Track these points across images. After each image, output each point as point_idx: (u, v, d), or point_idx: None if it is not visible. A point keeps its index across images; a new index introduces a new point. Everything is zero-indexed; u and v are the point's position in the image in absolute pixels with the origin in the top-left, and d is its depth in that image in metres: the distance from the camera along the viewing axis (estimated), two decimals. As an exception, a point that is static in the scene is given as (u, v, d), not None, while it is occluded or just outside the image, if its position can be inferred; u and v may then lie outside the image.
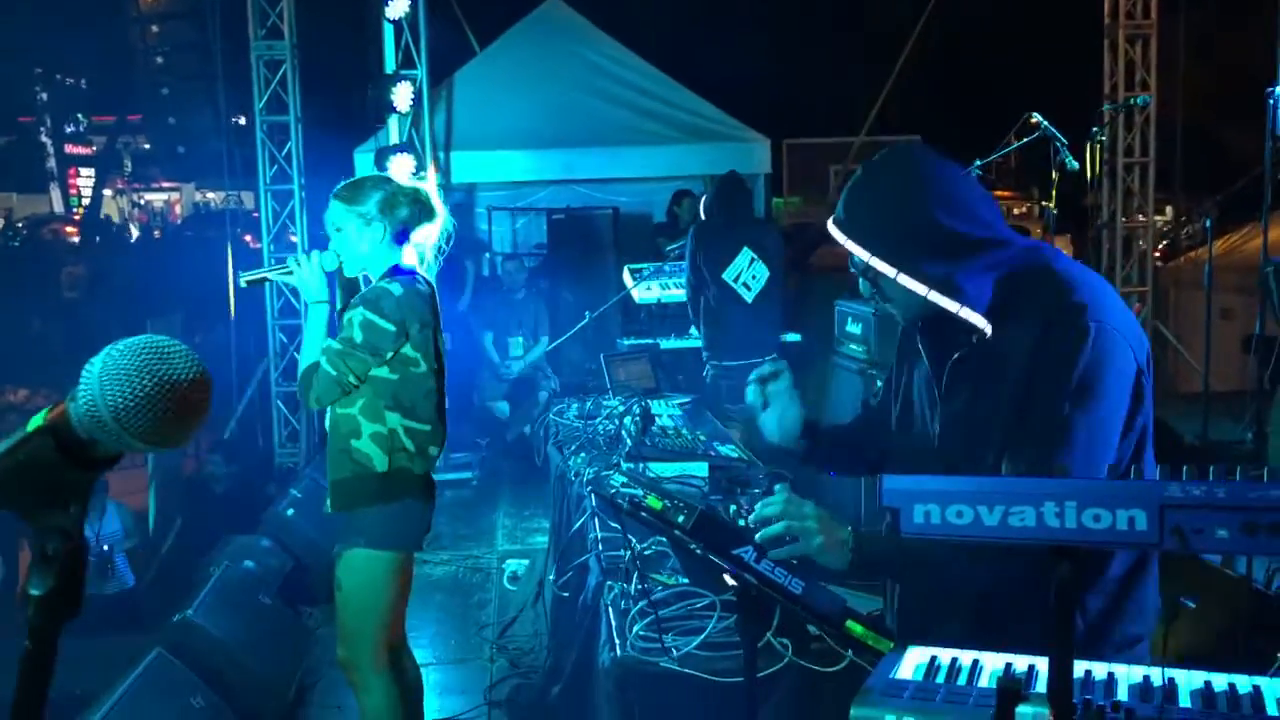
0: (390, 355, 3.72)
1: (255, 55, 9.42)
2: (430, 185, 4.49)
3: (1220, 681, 1.94)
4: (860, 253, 2.35)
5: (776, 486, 2.36)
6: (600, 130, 10.21)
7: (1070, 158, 6.67)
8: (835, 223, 2.40)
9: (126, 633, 6.16)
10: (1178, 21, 11.51)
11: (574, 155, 10.14)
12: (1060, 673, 1.71)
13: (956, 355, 2.38)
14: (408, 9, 8.30)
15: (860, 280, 2.43)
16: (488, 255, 10.54)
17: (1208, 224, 6.81)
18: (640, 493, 2.30)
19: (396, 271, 3.82)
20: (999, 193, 32.58)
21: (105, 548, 8.15)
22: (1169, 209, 23.22)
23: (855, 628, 2.32)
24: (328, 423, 3.95)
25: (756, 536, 2.20)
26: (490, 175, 10.39)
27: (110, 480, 11.85)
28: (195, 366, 1.49)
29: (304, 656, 5.17)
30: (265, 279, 4.02)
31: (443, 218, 4.12)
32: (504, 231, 12.05)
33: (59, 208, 34.94)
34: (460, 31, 11.98)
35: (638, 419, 4.95)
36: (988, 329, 2.31)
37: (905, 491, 1.70)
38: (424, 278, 3.94)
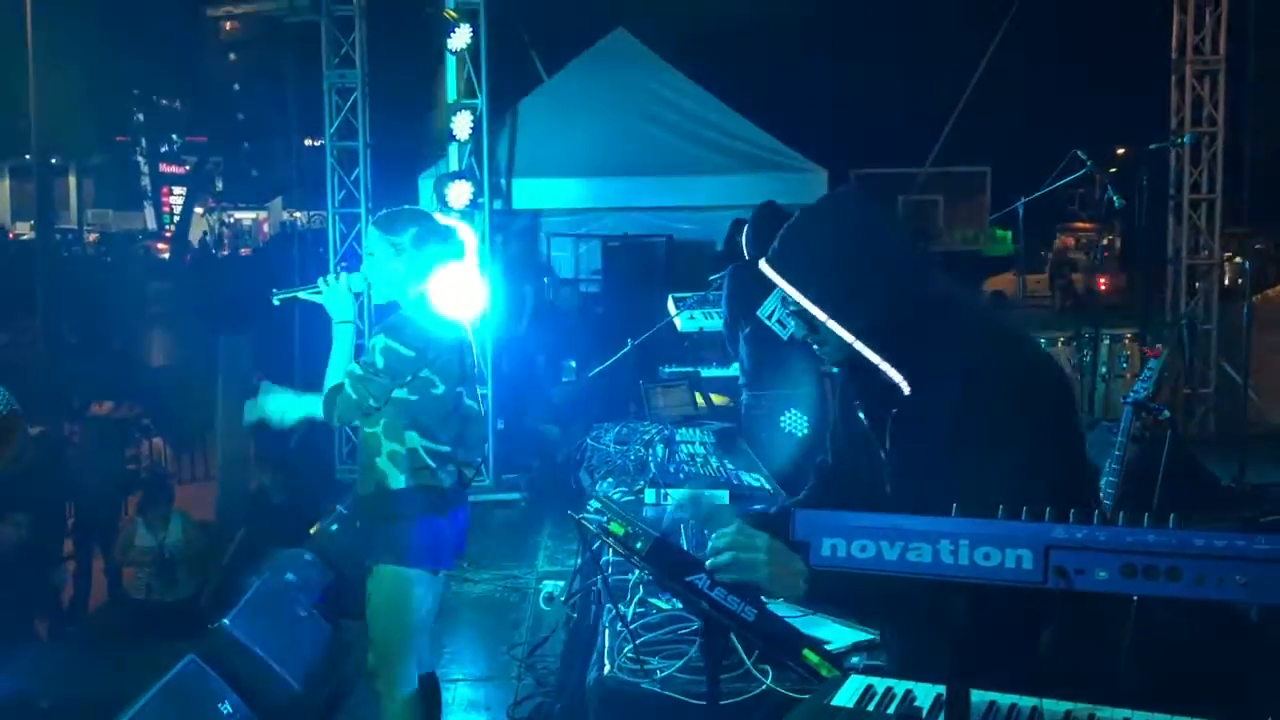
0: (409, 379, 3.87)
1: (327, 84, 9.74)
2: (460, 225, 4.68)
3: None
4: (793, 293, 2.41)
5: (736, 519, 2.44)
6: (660, 159, 10.36)
7: (1116, 195, 6.67)
8: (769, 261, 2.46)
9: (185, 639, 6.41)
10: (1247, 53, 11.34)
11: (634, 183, 10.30)
12: (955, 703, 1.79)
13: (895, 411, 2.42)
14: (470, 40, 8.53)
15: (793, 320, 2.48)
16: (546, 280, 10.73)
17: (1245, 266, 6.74)
18: (604, 519, 2.41)
19: (420, 300, 3.97)
20: (1080, 225, 32.24)
21: (168, 556, 8.45)
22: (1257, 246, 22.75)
23: (810, 656, 2.40)
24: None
25: (706, 564, 2.28)
26: (551, 202, 10.60)
27: (178, 492, 12.27)
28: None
29: (337, 668, 5.33)
30: (296, 297, 4.17)
31: (470, 257, 4.30)
32: (567, 257, 12.25)
33: (152, 225, 36.10)
34: (529, 60, 12.24)
35: (664, 446, 5.06)
36: (905, 386, 2.36)
37: (815, 526, 1.79)
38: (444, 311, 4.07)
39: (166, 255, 28.06)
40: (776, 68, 18.35)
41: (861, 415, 2.55)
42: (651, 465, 5.00)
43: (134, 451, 14.96)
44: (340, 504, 6.96)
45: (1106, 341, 7.61)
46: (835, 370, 2.65)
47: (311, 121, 10.48)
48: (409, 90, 10.50)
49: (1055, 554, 1.64)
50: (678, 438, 5.64)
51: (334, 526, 6.61)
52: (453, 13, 8.29)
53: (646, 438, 5.67)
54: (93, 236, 34.55)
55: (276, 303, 4.22)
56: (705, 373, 7.14)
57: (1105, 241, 30.16)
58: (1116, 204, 6.66)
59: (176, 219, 32.59)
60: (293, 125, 10.73)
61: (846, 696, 2.12)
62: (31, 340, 16.02)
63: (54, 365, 15.43)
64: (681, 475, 4.89)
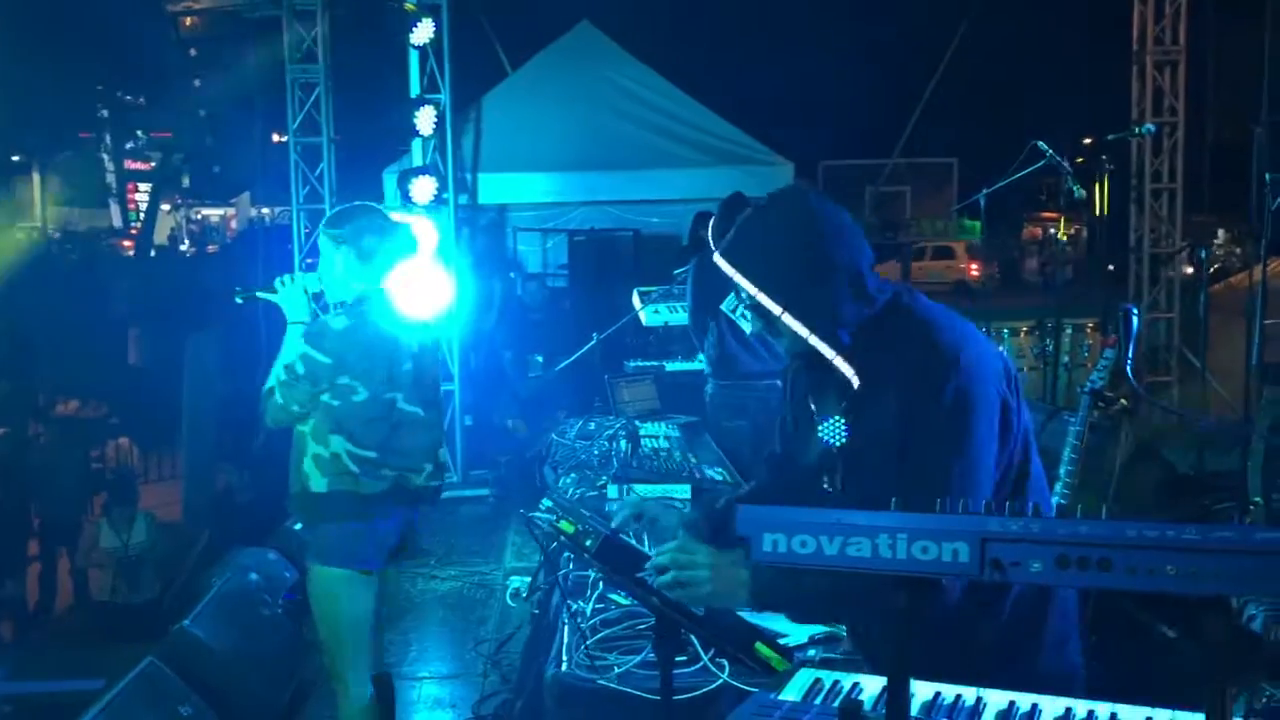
0: (328, 385, 3.85)
1: (290, 78, 9.67)
2: (422, 220, 4.75)
3: (1081, 709, 2.02)
4: (748, 287, 2.42)
5: (680, 532, 2.46)
6: (626, 153, 10.35)
7: (1077, 186, 6.70)
8: (724, 255, 2.47)
9: (149, 641, 6.37)
10: (1208, 44, 11.44)
11: (600, 178, 10.29)
12: (895, 694, 1.79)
13: (845, 404, 2.43)
14: (432, 34, 8.49)
15: (748, 313, 2.50)
16: (513, 275, 10.71)
17: (1202, 254, 6.80)
18: (555, 517, 2.41)
19: (359, 301, 3.97)
20: (1046, 214, 32.43)
21: (132, 557, 8.40)
22: (1221, 232, 22.95)
23: (762, 649, 2.41)
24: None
25: (654, 584, 2.28)
26: (518, 196, 10.57)
27: (145, 492, 12.18)
28: None
29: (299, 668, 5.31)
30: (255, 296, 4.21)
31: (425, 252, 4.27)
32: (534, 252, 12.23)
33: (118, 222, 35.74)
34: (493, 54, 12.20)
35: (627, 440, 5.07)
36: (855, 380, 2.38)
37: (755, 520, 1.80)
38: (383, 306, 4.00)
39: (132, 253, 27.77)
40: (743, 61, 18.40)
41: (813, 408, 2.56)
42: (614, 461, 5.00)
43: (99, 451, 14.87)
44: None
45: (1069, 331, 7.67)
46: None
47: (275, 117, 10.41)
48: (373, 84, 10.44)
49: (991, 546, 1.65)
50: (642, 432, 5.64)
51: (298, 525, 6.55)
52: (413, 6, 8.24)
53: (610, 433, 5.66)
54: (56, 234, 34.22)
55: (239, 301, 4.26)
56: (670, 366, 7.14)
57: (1072, 232, 30.40)
58: (1076, 194, 6.69)
59: (142, 216, 32.32)
60: (256, 121, 10.63)
61: (795, 689, 2.13)
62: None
63: (17, 364, 15.30)
64: (645, 470, 4.89)
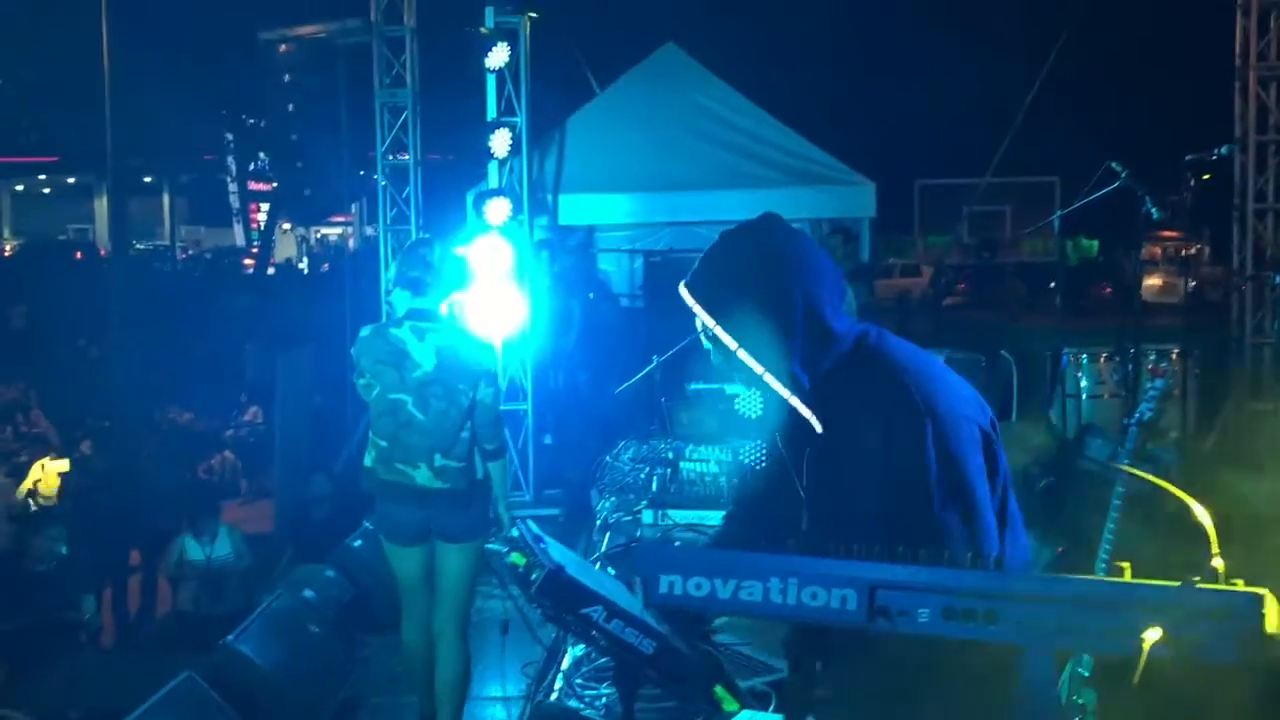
0: (362, 380, 4.77)
1: (379, 102, 9.88)
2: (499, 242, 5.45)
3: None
4: (707, 320, 2.37)
5: None
6: (707, 173, 10.33)
7: (1155, 207, 6.48)
8: (687, 286, 2.43)
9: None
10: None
11: (681, 198, 10.28)
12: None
13: (808, 450, 2.35)
14: (508, 58, 8.59)
15: (711, 346, 2.44)
16: (592, 296, 10.76)
17: (1276, 280, 6.49)
18: (506, 550, 2.39)
19: (396, 315, 4.86)
20: (1167, 233, 31.37)
21: (214, 570, 8.64)
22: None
23: (720, 692, 2.36)
24: None
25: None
26: (600, 218, 10.63)
27: (234, 508, 12.52)
28: None
29: (343, 685, 5.39)
30: None
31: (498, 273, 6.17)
32: (622, 274, 12.27)
33: (241, 241, 37.02)
34: (583, 76, 12.31)
35: (668, 465, 5.03)
36: (817, 425, 2.30)
37: (653, 561, 1.76)
38: (416, 324, 4.79)
39: (251, 270, 28.68)
40: (836, 80, 18.23)
41: (780, 444, 2.49)
42: (654, 485, 4.98)
43: (206, 464, 15.36)
44: (367, 519, 7.03)
45: (1152, 357, 7.39)
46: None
47: (364, 141, 10.65)
48: (460, 107, 10.62)
49: (880, 594, 1.59)
50: (694, 456, 5.59)
51: (358, 543, 6.68)
52: (488, 30, 8.35)
53: (667, 456, 5.63)
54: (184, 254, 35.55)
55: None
56: (730, 389, 7.06)
57: (1194, 251, 29.36)
58: (1155, 215, 6.47)
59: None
60: (344, 144, 10.90)
61: (730, 733, 2.08)
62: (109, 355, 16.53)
63: (131, 379, 15.89)
64: (683, 496, 4.86)
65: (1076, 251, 31.00)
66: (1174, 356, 7.44)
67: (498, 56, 8.51)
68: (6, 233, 42.40)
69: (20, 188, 44.69)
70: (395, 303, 4.90)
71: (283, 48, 10.65)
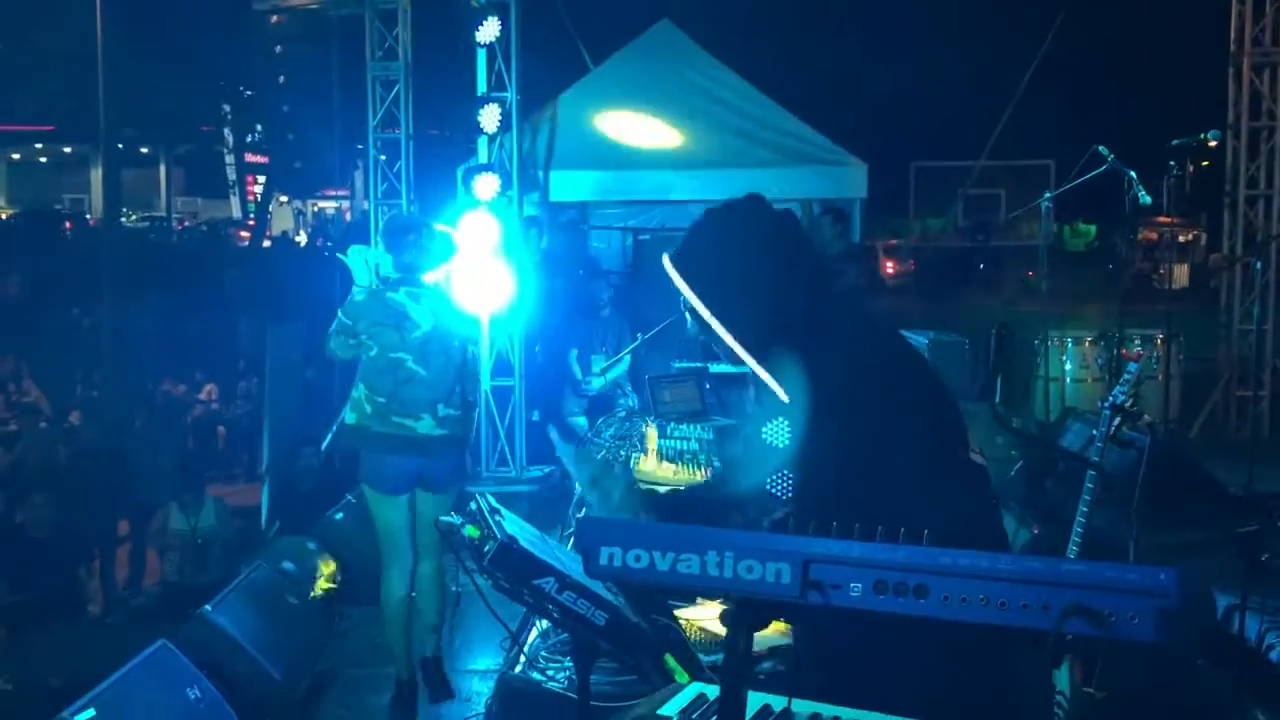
0: (352, 341, 4.98)
1: (371, 75, 9.85)
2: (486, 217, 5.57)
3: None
4: (688, 294, 2.41)
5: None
6: (700, 152, 10.30)
7: (1143, 192, 6.48)
8: (673, 260, 2.46)
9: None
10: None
11: (672, 177, 10.24)
12: (729, 705, 1.75)
13: (780, 418, 2.42)
14: (499, 33, 8.56)
15: (689, 316, 2.48)
16: (581, 273, 10.74)
17: (1257, 265, 6.50)
18: (459, 522, 2.41)
19: (387, 281, 5.09)
20: (1162, 219, 31.29)
21: (200, 541, 8.67)
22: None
23: (670, 661, 2.38)
24: None
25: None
26: (591, 194, 10.59)
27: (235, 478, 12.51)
28: None
29: (321, 656, 5.41)
30: (336, 256, 5.62)
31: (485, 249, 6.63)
32: (615, 251, 12.25)
33: (238, 213, 36.90)
34: (576, 53, 12.26)
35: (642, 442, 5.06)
36: (783, 395, 2.35)
37: (592, 534, 1.77)
38: (411, 289, 5.10)
39: (247, 243, 28.62)
40: (831, 61, 18.14)
41: (759, 414, 2.55)
42: (631, 462, 5.00)
43: (198, 437, 15.34)
44: (350, 493, 7.05)
45: (1136, 342, 7.39)
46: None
47: (355, 114, 10.63)
48: (452, 81, 10.60)
49: (814, 568, 1.60)
50: (673, 434, 5.62)
51: (339, 515, 6.70)
52: (478, 3, 8.33)
53: (642, 433, 5.65)
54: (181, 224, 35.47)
55: (325, 254, 5.67)
56: (715, 368, 7.08)
57: (1190, 237, 29.32)
58: (1142, 200, 6.47)
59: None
60: (336, 117, 10.87)
61: (675, 706, 2.09)
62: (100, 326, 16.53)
63: (122, 350, 15.89)
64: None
65: (1075, 237, 30.93)
66: (1158, 341, 7.45)
67: (488, 31, 8.48)
68: (2, 201, 42.26)
69: (16, 156, 44.52)
70: (386, 269, 5.12)
71: (275, 19, 10.60)
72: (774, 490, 2.72)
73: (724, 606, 1.71)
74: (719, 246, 2.41)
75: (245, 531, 9.68)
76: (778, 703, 2.01)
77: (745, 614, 1.70)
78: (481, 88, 8.75)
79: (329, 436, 10.33)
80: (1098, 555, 4.29)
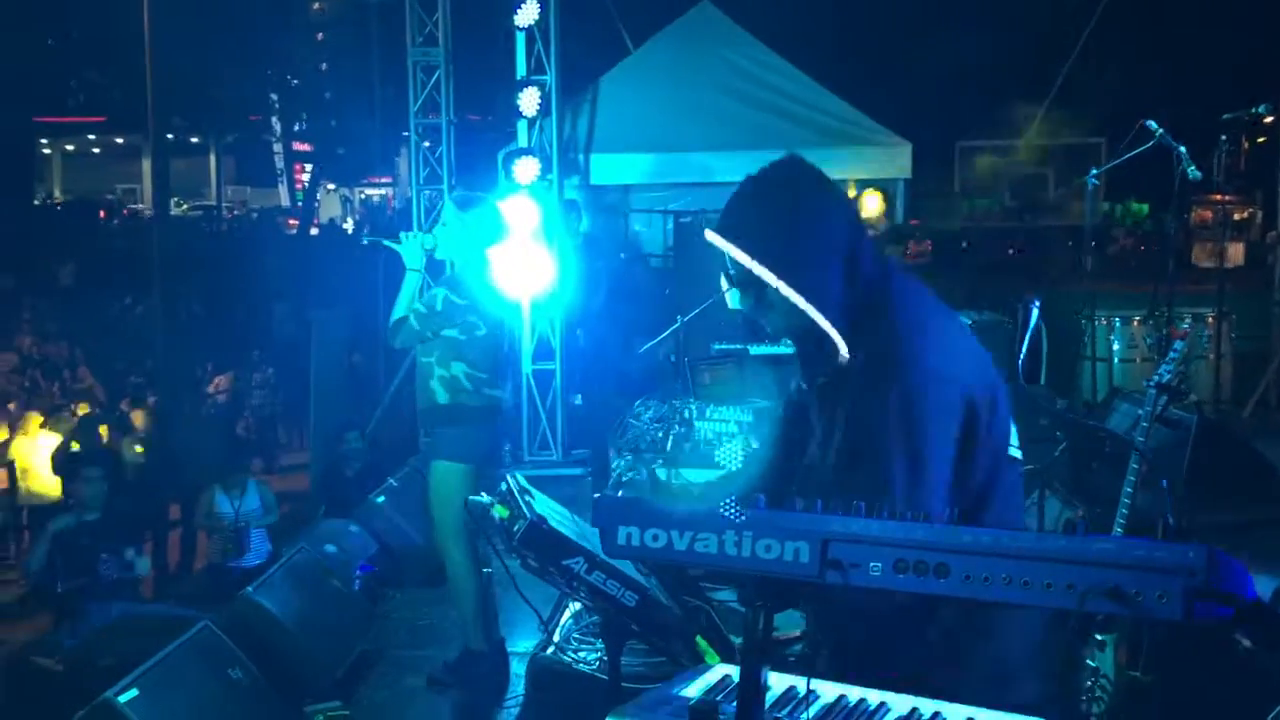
0: (460, 322, 5.07)
1: (411, 61, 9.85)
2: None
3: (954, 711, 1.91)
4: (743, 259, 2.33)
5: None
6: (741, 134, 10.23)
7: (1193, 167, 6.34)
8: (720, 229, 2.41)
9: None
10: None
11: (714, 158, 10.19)
12: (748, 685, 1.73)
13: (821, 380, 2.38)
14: (538, 16, 8.53)
15: (732, 290, 2.42)
16: (623, 256, 10.74)
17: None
18: (489, 502, 2.39)
19: (475, 265, 5.19)
20: (1215, 196, 30.67)
21: (241, 524, 8.76)
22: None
23: (701, 643, 2.36)
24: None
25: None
26: (632, 177, 10.58)
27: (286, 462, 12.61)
28: None
29: (361, 639, 5.45)
30: (381, 243, 5.65)
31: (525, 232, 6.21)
32: (656, 234, 12.22)
33: (286, 201, 37.21)
34: (618, 35, 12.21)
35: (681, 425, 5.04)
36: (844, 351, 2.31)
37: (611, 512, 1.75)
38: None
39: (295, 231, 28.85)
40: (874, 39, 17.92)
41: (803, 385, 2.50)
42: (669, 444, 4.98)
43: (245, 422, 15.52)
44: (392, 477, 7.09)
45: (1187, 321, 7.25)
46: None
47: (396, 99, 10.65)
48: (493, 66, 10.60)
49: (832, 547, 1.57)
50: (712, 416, 5.59)
51: (381, 499, 6.73)
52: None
53: (684, 415, 5.63)
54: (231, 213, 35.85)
55: (365, 243, 6.64)
56: (755, 350, 7.04)
57: (1246, 214, 28.71)
58: (1191, 176, 6.34)
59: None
60: (376, 103, 10.89)
61: (700, 687, 2.07)
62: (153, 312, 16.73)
63: (175, 338, 16.09)
64: (697, 455, 4.87)
65: (1128, 215, 30.39)
66: (1209, 320, 7.30)
67: (527, 14, 8.46)
68: (57, 191, 42.93)
69: (70, 147, 45.20)
70: (463, 245, 5.26)
71: (316, 6, 10.61)
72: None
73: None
74: (774, 206, 2.34)
75: (293, 515, 9.79)
76: (865, 696, 1.99)
77: (763, 594, 1.67)
78: (521, 71, 8.73)
79: (373, 421, 10.43)
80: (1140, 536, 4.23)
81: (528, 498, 2.43)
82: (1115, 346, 7.57)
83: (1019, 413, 2.45)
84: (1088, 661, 4.18)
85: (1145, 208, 30.06)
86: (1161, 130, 6.27)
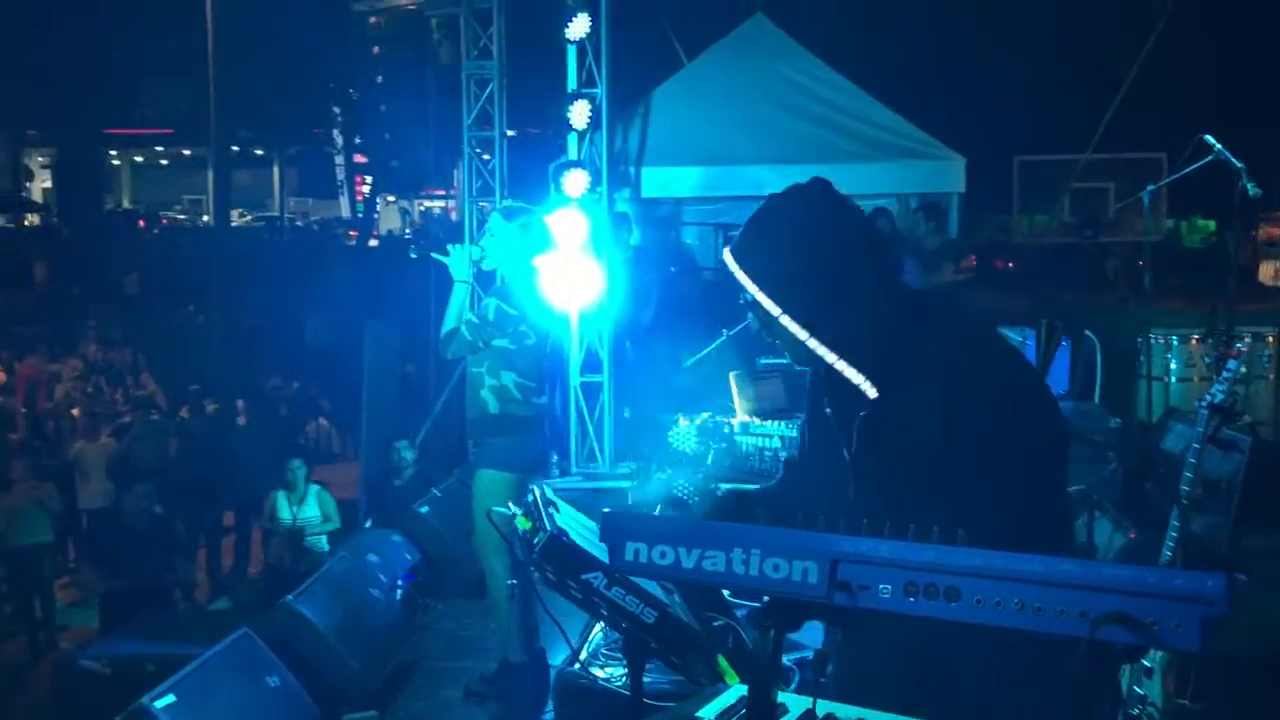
0: (510, 331, 5.11)
1: (465, 74, 9.92)
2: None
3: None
4: (750, 287, 2.31)
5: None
6: (793, 147, 10.17)
7: (1251, 184, 6.20)
8: (731, 253, 2.38)
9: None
10: None
11: (766, 172, 10.12)
12: (757, 707, 1.69)
13: (862, 414, 2.30)
14: (589, 29, 8.54)
15: (750, 315, 2.39)
16: (674, 269, 10.70)
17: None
18: (512, 514, 2.37)
19: (524, 275, 5.25)
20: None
21: (299, 529, 8.87)
22: None
23: (722, 662, 2.32)
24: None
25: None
26: (683, 190, 10.55)
27: (337, 469, 12.74)
28: None
29: (400, 649, 5.45)
30: (430, 255, 5.76)
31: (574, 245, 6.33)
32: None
33: (346, 213, 37.72)
34: (671, 48, 12.22)
35: (726, 440, 5.00)
36: (868, 388, 2.24)
37: (618, 529, 1.72)
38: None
39: (353, 242, 29.21)
40: (930, 52, 17.73)
41: (829, 412, 2.45)
42: (709, 458, 4.95)
43: (304, 430, 15.68)
44: (437, 488, 7.11)
45: (1247, 340, 7.07)
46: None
47: (450, 113, 10.73)
48: (547, 79, 10.64)
49: (841, 568, 1.53)
50: (755, 431, 5.56)
51: (425, 509, 6.75)
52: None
53: (726, 430, 5.60)
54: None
55: (413, 256, 6.24)
56: (800, 365, 6.96)
57: (1312, 231, 28.03)
58: (1251, 193, 6.19)
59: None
60: (432, 116, 10.98)
61: (715, 707, 2.03)
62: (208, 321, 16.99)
63: (230, 346, 16.33)
64: (738, 470, 4.82)
65: (1192, 232, 29.81)
66: (1269, 340, 7.12)
67: (578, 27, 8.47)
68: (126, 202, 43.85)
69: (139, 159, 46.17)
70: (512, 256, 5.32)
71: (373, 20, 10.74)
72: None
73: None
74: (782, 232, 2.29)
75: (343, 523, 9.88)
76: (823, 707, 1.94)
77: (774, 614, 1.63)
78: (572, 84, 8.75)
79: (423, 431, 10.48)
80: (1193, 561, 4.11)
81: (551, 510, 2.41)
82: (1172, 365, 7.42)
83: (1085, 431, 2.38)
84: (1134, 689, 4.07)
85: (1211, 224, 29.50)
86: (1219, 146, 6.13)
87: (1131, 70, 12.53)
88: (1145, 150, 14.33)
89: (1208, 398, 4.09)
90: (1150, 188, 6.76)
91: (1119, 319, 8.53)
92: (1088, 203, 14.63)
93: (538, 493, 2.59)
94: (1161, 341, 7.44)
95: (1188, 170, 6.27)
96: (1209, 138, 6.13)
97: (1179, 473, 4.21)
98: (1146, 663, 4.10)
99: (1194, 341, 7.30)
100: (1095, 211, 14.48)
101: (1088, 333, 7.52)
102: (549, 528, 2.29)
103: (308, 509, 9.19)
